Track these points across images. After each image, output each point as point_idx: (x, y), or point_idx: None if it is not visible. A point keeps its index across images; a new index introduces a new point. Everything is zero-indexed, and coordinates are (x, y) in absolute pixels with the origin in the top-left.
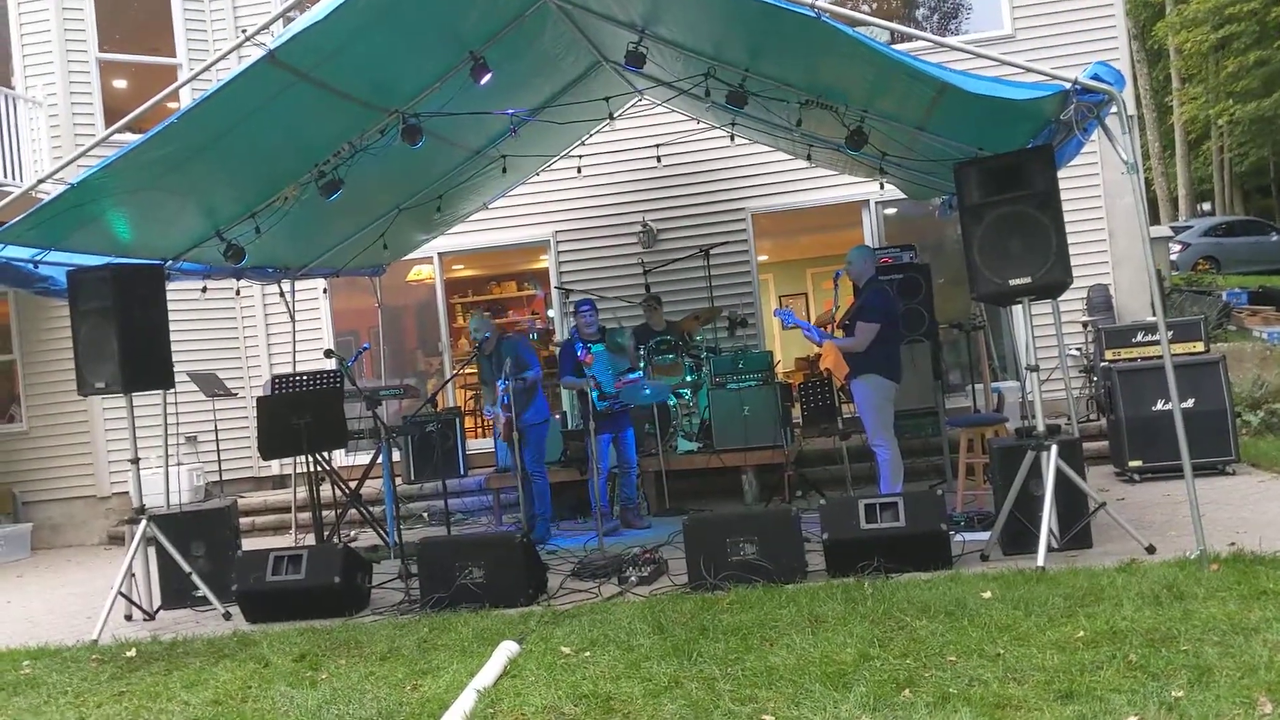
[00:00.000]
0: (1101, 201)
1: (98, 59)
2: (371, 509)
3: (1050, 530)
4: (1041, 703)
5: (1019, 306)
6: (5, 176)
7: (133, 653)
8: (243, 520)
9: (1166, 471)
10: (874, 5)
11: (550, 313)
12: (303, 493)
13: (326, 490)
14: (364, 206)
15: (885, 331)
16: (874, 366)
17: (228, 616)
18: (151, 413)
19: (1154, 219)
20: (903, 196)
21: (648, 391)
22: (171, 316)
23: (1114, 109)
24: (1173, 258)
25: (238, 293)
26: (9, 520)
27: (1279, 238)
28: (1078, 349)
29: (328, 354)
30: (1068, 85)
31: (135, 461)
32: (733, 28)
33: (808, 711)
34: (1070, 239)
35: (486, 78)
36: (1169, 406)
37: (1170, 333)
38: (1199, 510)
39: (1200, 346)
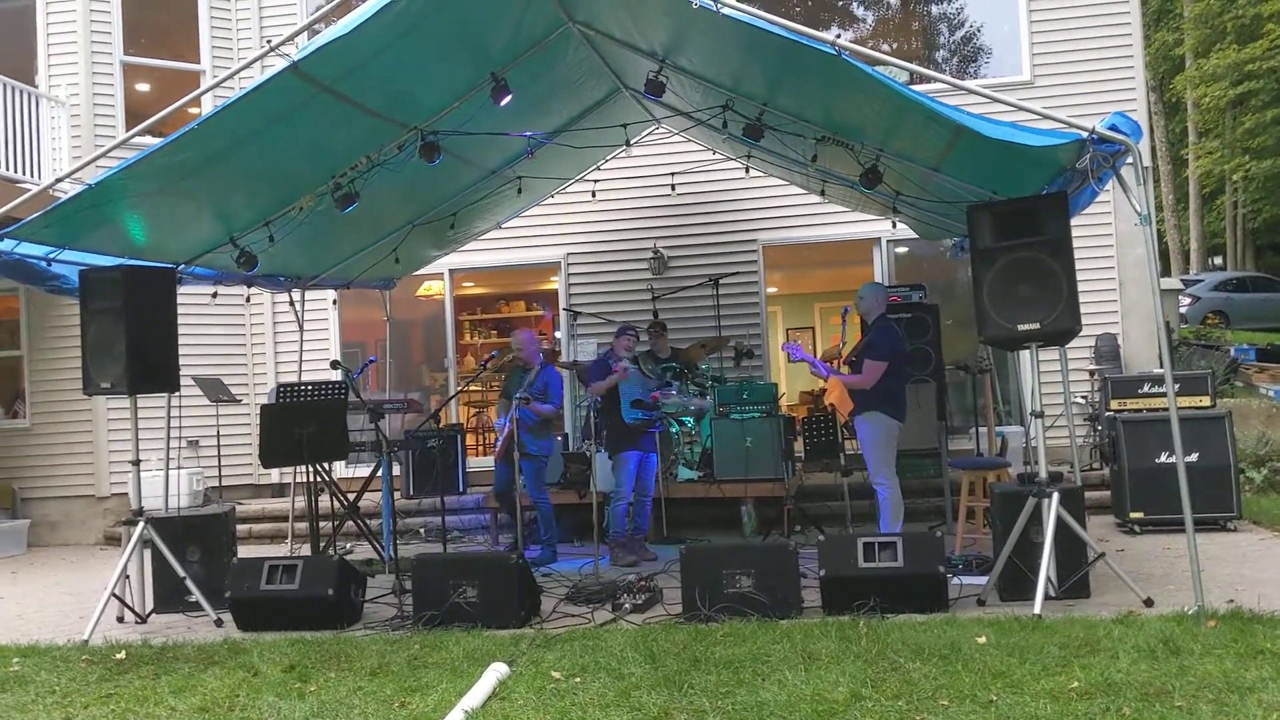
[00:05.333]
0: (1113, 251)
1: (122, 61)
2: (369, 522)
3: (1048, 578)
4: None
5: (1026, 352)
6: (23, 174)
7: (122, 655)
8: (240, 528)
9: (1167, 524)
10: (894, 45)
11: (558, 334)
12: (301, 503)
13: (325, 501)
14: (378, 220)
15: (892, 370)
16: (879, 404)
17: (219, 623)
18: (155, 415)
19: (1165, 271)
20: (914, 236)
21: (675, 396)
22: (180, 320)
23: (1130, 160)
24: (1182, 310)
25: (248, 299)
26: (7, 516)
27: None
28: (1083, 397)
29: (334, 365)
30: (1084, 134)
31: (136, 463)
32: (753, 61)
33: None
34: (1080, 287)
35: (506, 99)
36: (1172, 459)
37: (1177, 386)
38: (1199, 565)
39: (1206, 401)
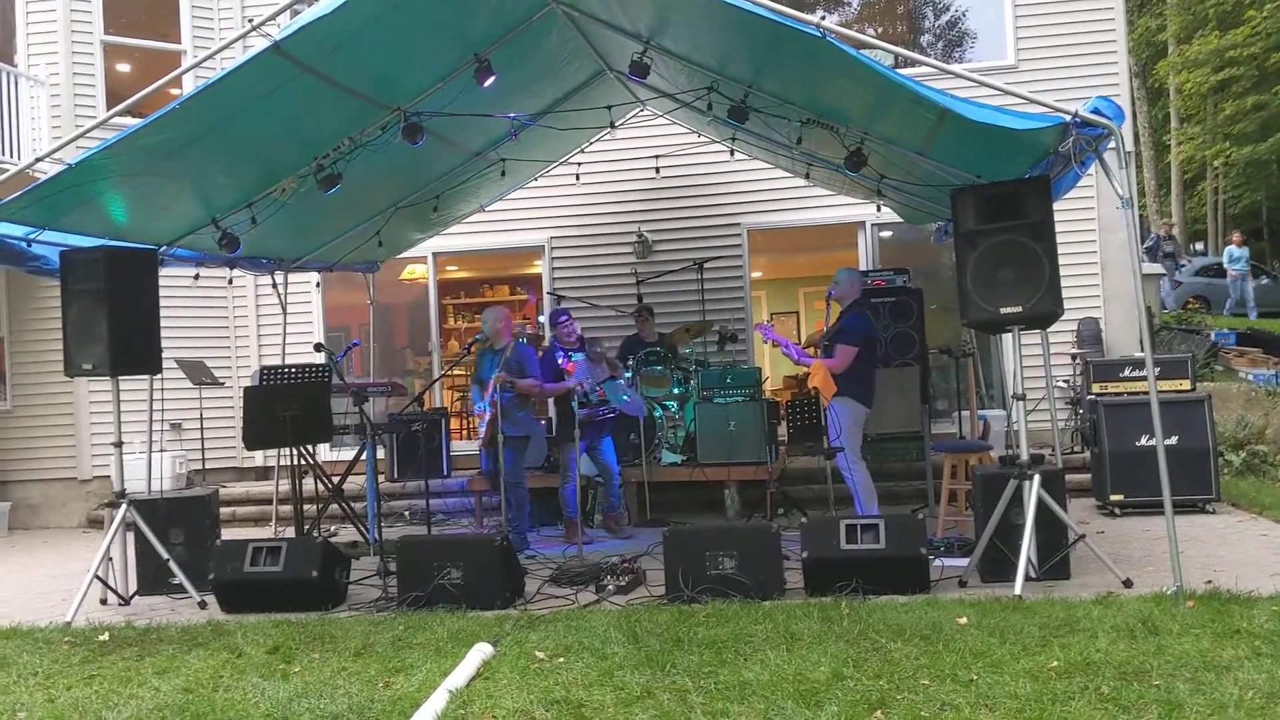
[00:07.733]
0: (1095, 235)
1: (103, 41)
2: (353, 505)
3: (1029, 559)
4: None
5: (1008, 335)
6: (2, 154)
7: (106, 637)
8: (223, 510)
9: (1147, 507)
10: (880, 29)
11: (541, 318)
12: (285, 485)
13: (309, 484)
14: (361, 202)
15: (862, 356)
16: (848, 389)
17: (203, 605)
18: (137, 397)
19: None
20: (899, 220)
21: (625, 397)
22: (162, 302)
23: (1112, 144)
24: (1164, 295)
25: (230, 282)
26: None
27: (1269, 281)
28: (1065, 381)
29: (317, 348)
30: (1068, 118)
31: (118, 445)
32: (738, 43)
33: None
34: (1063, 271)
35: (490, 80)
36: (1152, 442)
37: (1157, 369)
38: (1177, 547)
39: (1187, 385)
